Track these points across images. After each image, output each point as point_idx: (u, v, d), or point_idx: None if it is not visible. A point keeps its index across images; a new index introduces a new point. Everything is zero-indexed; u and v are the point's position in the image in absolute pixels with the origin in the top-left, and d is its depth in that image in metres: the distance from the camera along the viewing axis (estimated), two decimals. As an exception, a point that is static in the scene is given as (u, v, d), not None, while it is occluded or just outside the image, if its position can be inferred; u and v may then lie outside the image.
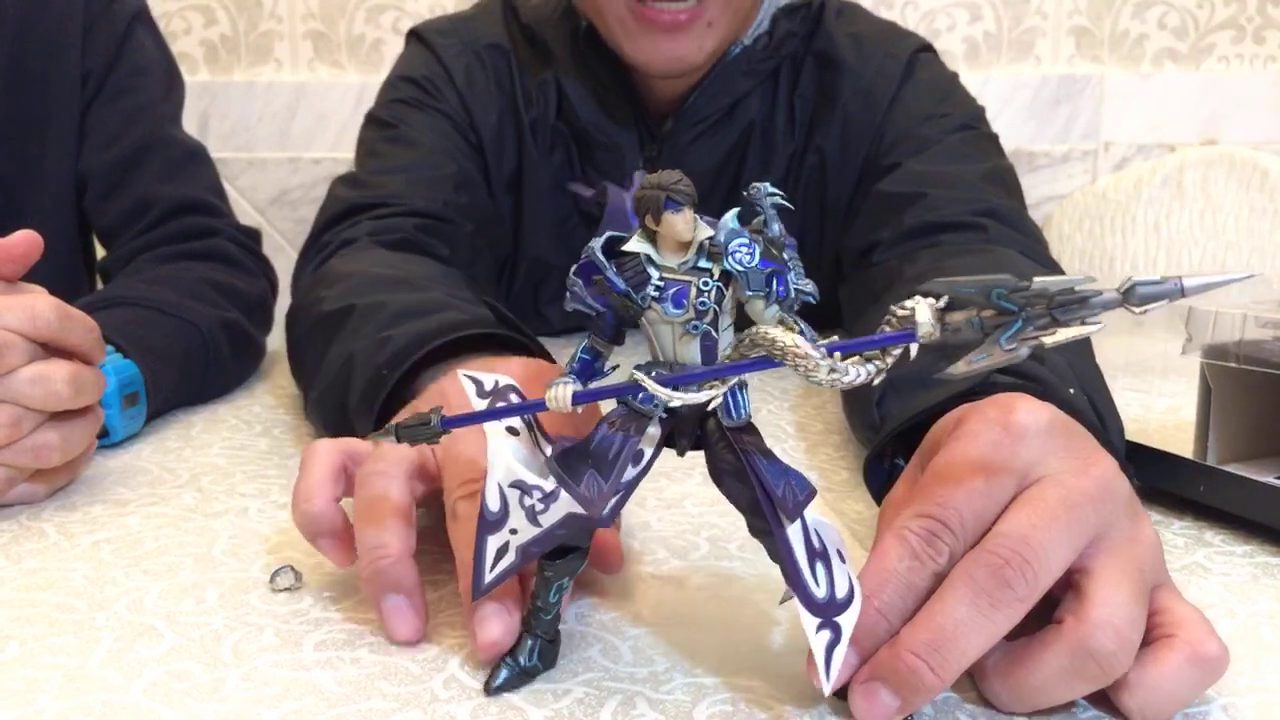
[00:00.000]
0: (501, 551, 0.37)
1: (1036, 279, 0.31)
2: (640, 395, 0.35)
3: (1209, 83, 1.67)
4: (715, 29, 0.87)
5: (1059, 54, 1.68)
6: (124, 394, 0.68)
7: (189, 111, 1.08)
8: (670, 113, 0.94)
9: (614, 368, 0.38)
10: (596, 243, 0.35)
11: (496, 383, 0.39)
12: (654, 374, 0.35)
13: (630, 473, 0.36)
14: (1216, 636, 0.36)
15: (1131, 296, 0.29)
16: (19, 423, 0.56)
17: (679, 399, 0.35)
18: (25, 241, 0.58)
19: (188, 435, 0.72)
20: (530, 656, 0.39)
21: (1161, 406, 0.78)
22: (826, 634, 0.35)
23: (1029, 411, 0.39)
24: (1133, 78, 1.67)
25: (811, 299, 0.35)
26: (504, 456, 0.37)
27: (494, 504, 0.37)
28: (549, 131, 0.96)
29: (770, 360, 0.34)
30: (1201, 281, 0.28)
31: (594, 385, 0.37)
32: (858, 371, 0.33)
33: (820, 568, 0.36)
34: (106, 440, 0.68)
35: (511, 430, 0.39)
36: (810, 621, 0.35)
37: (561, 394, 0.36)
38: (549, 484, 0.36)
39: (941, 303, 0.32)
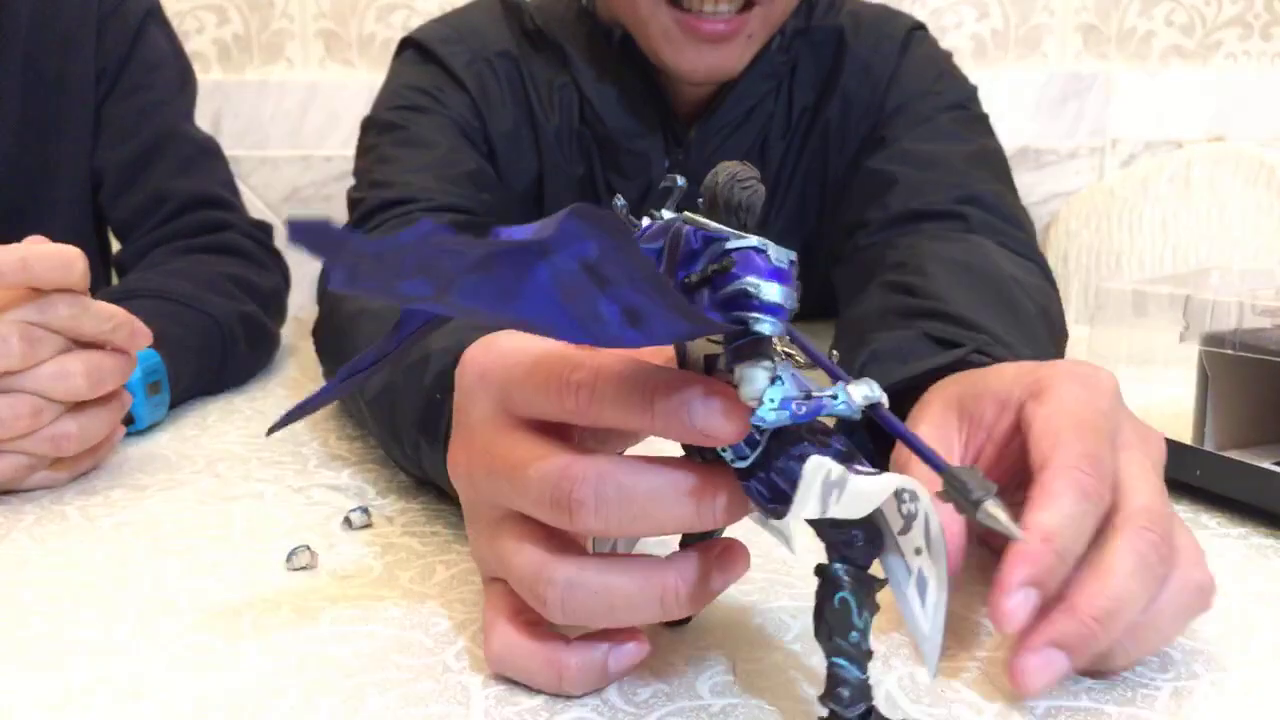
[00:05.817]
0: None
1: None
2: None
3: (1216, 79, 1.68)
4: (754, 41, 0.88)
5: (1066, 51, 1.68)
6: (147, 382, 0.70)
7: (201, 110, 1.09)
8: (693, 115, 0.94)
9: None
10: (779, 250, 0.31)
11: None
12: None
13: None
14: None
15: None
16: (40, 413, 0.57)
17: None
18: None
19: (204, 424, 0.73)
20: None
21: (1163, 396, 0.79)
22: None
23: (1110, 379, 0.43)
24: (1140, 75, 1.67)
25: None
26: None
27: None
28: (573, 138, 0.94)
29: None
30: None
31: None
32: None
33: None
34: (131, 428, 0.69)
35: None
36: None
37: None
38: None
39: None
